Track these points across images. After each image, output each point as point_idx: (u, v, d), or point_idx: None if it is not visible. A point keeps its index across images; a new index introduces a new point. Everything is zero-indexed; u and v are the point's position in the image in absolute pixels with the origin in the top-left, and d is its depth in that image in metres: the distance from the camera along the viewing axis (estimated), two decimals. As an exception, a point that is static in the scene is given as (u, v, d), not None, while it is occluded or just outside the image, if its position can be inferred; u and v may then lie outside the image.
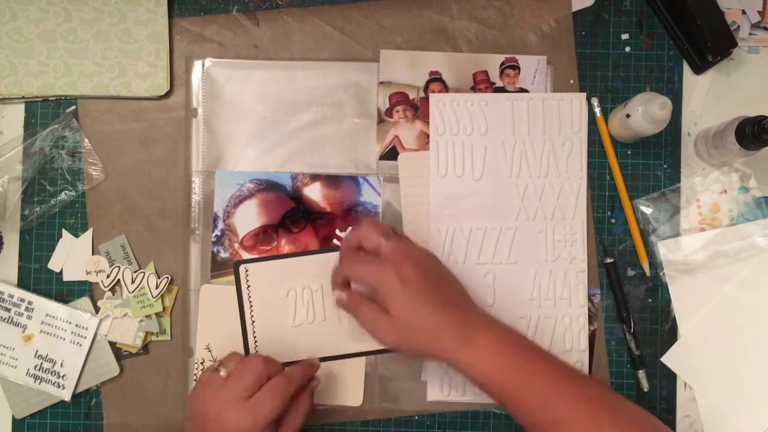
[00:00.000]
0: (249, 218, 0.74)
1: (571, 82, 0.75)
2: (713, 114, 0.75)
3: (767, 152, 0.72)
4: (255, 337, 0.73)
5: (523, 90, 0.74)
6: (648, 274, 0.74)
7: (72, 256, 0.74)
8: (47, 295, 0.74)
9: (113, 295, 0.74)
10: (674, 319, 0.74)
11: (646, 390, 0.73)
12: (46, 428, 0.74)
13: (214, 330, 0.73)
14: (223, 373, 0.64)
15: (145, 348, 0.74)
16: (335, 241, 0.74)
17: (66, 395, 0.73)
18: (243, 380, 0.62)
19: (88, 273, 0.73)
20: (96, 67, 0.74)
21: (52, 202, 0.74)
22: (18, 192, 0.74)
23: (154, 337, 0.74)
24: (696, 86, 0.76)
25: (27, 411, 0.73)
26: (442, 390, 0.73)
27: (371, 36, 0.75)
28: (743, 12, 0.75)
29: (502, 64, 0.75)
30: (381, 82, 0.75)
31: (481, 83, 0.75)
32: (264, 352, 0.71)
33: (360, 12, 0.75)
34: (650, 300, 0.74)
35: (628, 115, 0.69)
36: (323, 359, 0.71)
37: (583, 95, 0.74)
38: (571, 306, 0.73)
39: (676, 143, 0.75)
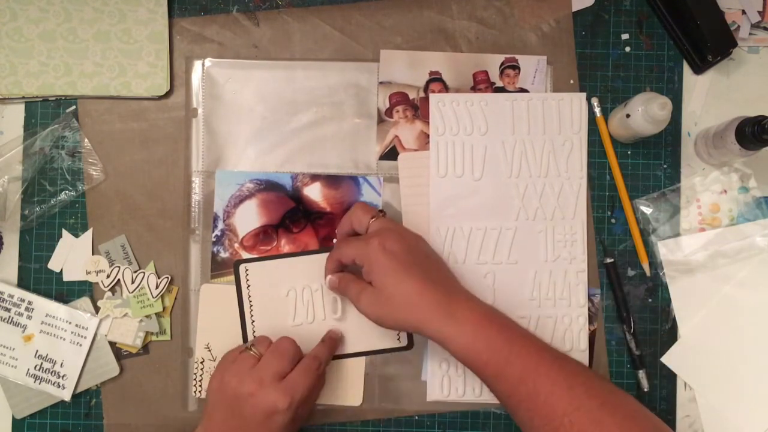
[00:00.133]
0: (249, 218, 0.74)
1: (571, 82, 0.75)
2: (713, 114, 0.75)
3: (767, 152, 0.72)
4: (255, 336, 0.72)
5: (523, 90, 0.75)
6: (648, 274, 0.74)
7: (72, 256, 0.74)
8: (47, 295, 0.74)
9: (113, 295, 0.74)
10: (674, 319, 0.74)
11: (646, 390, 0.73)
12: (46, 428, 0.74)
13: (214, 330, 0.73)
14: (254, 353, 0.66)
15: (145, 348, 0.74)
16: (335, 241, 0.74)
17: (66, 395, 0.73)
18: (278, 362, 0.65)
19: (88, 273, 0.73)
20: (96, 67, 0.74)
21: (52, 202, 0.74)
22: (18, 192, 0.74)
23: (154, 337, 0.74)
24: (696, 86, 0.76)
25: (27, 411, 0.73)
26: (442, 390, 0.73)
27: (371, 36, 0.75)
28: (743, 12, 0.75)
29: (502, 64, 0.75)
30: (381, 82, 0.75)
31: (481, 83, 0.75)
32: (264, 352, 0.72)
33: (360, 12, 0.75)
34: (650, 300, 0.74)
35: (628, 115, 0.69)
36: (323, 359, 0.71)
37: (583, 95, 0.74)
38: (571, 306, 0.73)
39: (676, 143, 0.75)
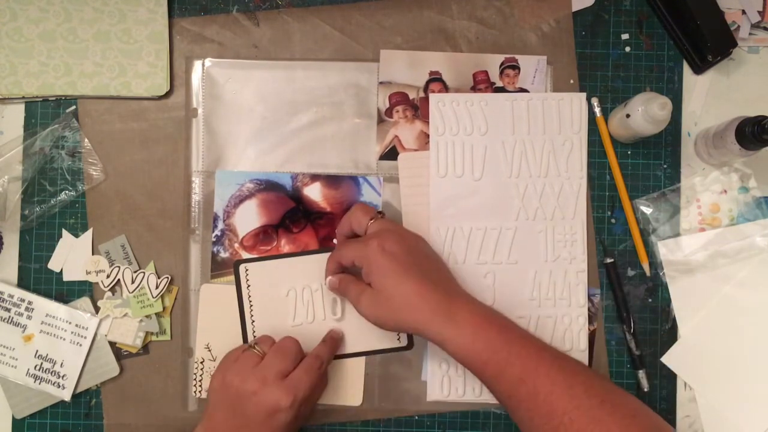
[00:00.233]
0: (249, 218, 0.74)
1: (571, 82, 0.75)
2: (713, 114, 0.75)
3: (767, 152, 0.72)
4: (255, 336, 0.72)
5: (523, 90, 0.75)
6: (648, 274, 0.74)
7: (72, 256, 0.74)
8: (47, 295, 0.74)
9: (113, 295, 0.74)
10: (674, 319, 0.74)
11: (646, 390, 0.73)
12: (46, 428, 0.74)
13: (214, 330, 0.73)
14: (257, 351, 0.67)
15: (145, 348, 0.74)
16: (335, 241, 0.74)
17: (66, 395, 0.73)
18: (281, 361, 0.66)
19: (88, 273, 0.73)
20: (96, 67, 0.74)
21: (52, 202, 0.74)
22: (18, 192, 0.74)
23: (154, 337, 0.74)
24: (696, 86, 0.76)
25: (27, 411, 0.73)
26: (442, 390, 0.73)
27: (371, 36, 0.75)
28: (743, 12, 0.75)
29: (502, 64, 0.75)
30: (381, 82, 0.75)
31: (481, 83, 0.75)
32: (264, 352, 0.72)
33: (360, 12, 0.75)
34: (650, 300, 0.74)
35: (628, 115, 0.69)
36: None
37: (583, 95, 0.74)
38: (571, 306, 0.73)
39: (676, 143, 0.75)
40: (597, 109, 0.74)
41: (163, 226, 0.74)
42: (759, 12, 0.75)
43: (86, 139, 0.74)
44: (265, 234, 0.74)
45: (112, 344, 0.74)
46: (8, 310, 0.73)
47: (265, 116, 0.75)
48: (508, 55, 0.75)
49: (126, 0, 0.73)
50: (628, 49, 0.76)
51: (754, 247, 0.74)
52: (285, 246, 0.74)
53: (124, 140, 0.75)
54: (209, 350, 0.73)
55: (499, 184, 0.73)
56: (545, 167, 0.74)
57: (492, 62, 0.75)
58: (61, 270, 0.74)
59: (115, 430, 0.74)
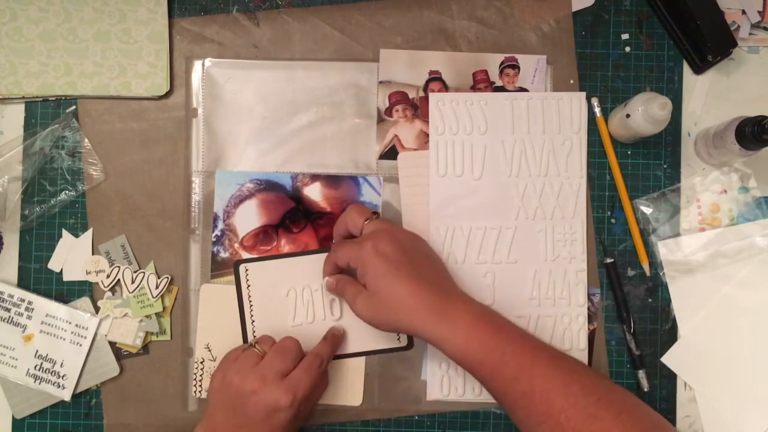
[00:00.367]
0: (249, 218, 0.74)
1: (571, 81, 0.75)
2: (713, 114, 0.75)
3: (767, 152, 0.72)
4: (255, 336, 0.72)
5: (522, 89, 0.75)
6: (648, 274, 0.74)
7: (72, 256, 0.74)
8: (47, 295, 0.74)
9: (113, 295, 0.74)
10: (674, 319, 0.74)
11: (646, 390, 0.73)
12: (46, 428, 0.74)
13: (214, 330, 0.73)
14: (258, 350, 0.67)
15: (145, 348, 0.74)
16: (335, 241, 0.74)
17: (66, 395, 0.73)
18: (281, 360, 0.66)
19: (88, 273, 0.73)
20: (96, 67, 0.74)
21: (52, 202, 0.74)
22: (18, 192, 0.74)
23: (154, 337, 0.74)
24: (696, 86, 0.76)
25: (27, 411, 0.73)
26: (441, 390, 0.73)
27: (371, 36, 0.75)
28: (743, 12, 0.75)
29: (501, 63, 0.75)
30: (381, 82, 0.75)
31: (480, 82, 0.75)
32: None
33: (360, 12, 0.75)
34: (650, 300, 0.74)
35: (628, 115, 0.69)
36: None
37: (583, 94, 0.74)
38: (571, 305, 0.73)
39: (676, 143, 0.75)
40: (597, 109, 0.74)
41: (163, 226, 0.74)
42: (759, 12, 0.75)
43: (86, 139, 0.74)
44: (265, 234, 0.74)
45: (112, 344, 0.74)
46: (8, 310, 0.73)
47: (265, 116, 0.75)
48: (507, 55, 0.75)
49: (126, 0, 0.74)
50: (628, 49, 0.76)
51: (754, 247, 0.74)
52: (285, 246, 0.74)
53: (124, 140, 0.75)
54: (209, 350, 0.73)
55: (499, 183, 0.73)
56: (545, 167, 0.74)
57: (492, 62, 0.75)
58: (61, 270, 0.74)
59: (115, 430, 0.74)
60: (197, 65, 0.75)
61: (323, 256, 0.71)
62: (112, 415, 0.74)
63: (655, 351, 0.74)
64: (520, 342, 0.63)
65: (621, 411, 0.59)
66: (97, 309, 0.74)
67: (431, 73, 0.75)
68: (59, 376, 0.73)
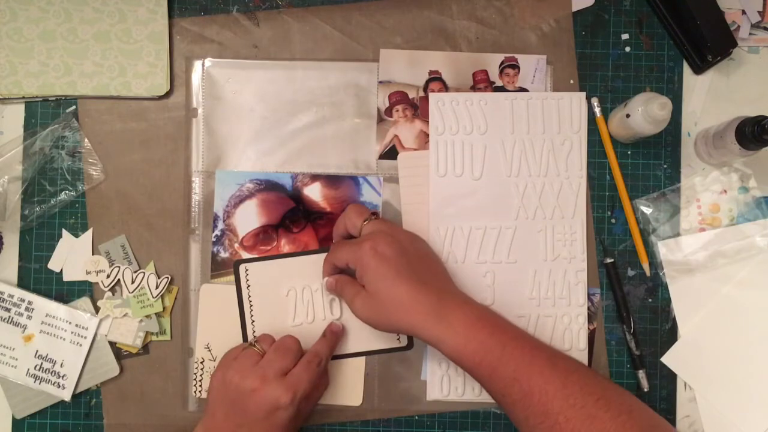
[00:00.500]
0: (249, 218, 0.74)
1: (571, 81, 0.75)
2: (713, 114, 0.75)
3: (767, 152, 0.72)
4: (255, 336, 0.72)
5: (522, 89, 0.75)
6: (648, 274, 0.74)
7: (72, 256, 0.74)
8: (47, 295, 0.74)
9: (113, 295, 0.74)
10: (674, 319, 0.74)
11: (646, 390, 0.73)
12: (46, 428, 0.74)
13: (214, 330, 0.73)
14: (258, 349, 0.67)
15: (145, 348, 0.74)
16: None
17: (66, 395, 0.73)
18: (281, 359, 0.66)
19: (88, 273, 0.73)
20: (96, 67, 0.74)
21: (52, 202, 0.74)
22: (18, 192, 0.74)
23: (154, 337, 0.74)
24: (696, 86, 0.76)
25: (27, 411, 0.73)
26: (441, 389, 0.73)
27: (371, 36, 0.75)
28: (743, 12, 0.75)
29: (501, 63, 0.75)
30: (380, 82, 0.75)
31: (480, 82, 0.75)
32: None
33: (360, 12, 0.75)
34: (650, 300, 0.74)
35: (628, 115, 0.69)
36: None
37: (583, 94, 0.74)
38: (571, 305, 0.73)
39: (676, 143, 0.75)
40: (597, 109, 0.74)
41: (163, 226, 0.74)
42: (759, 12, 0.75)
43: (86, 139, 0.74)
44: (265, 234, 0.74)
45: (112, 344, 0.74)
46: (8, 310, 0.73)
47: (265, 116, 0.75)
48: (507, 55, 0.75)
49: (126, 0, 0.74)
50: (628, 49, 0.76)
51: (754, 247, 0.74)
52: (285, 246, 0.74)
53: (124, 140, 0.75)
54: (209, 350, 0.73)
55: (499, 183, 0.73)
56: (545, 167, 0.74)
57: (492, 61, 0.75)
58: (61, 270, 0.74)
59: (115, 430, 0.74)
60: (197, 65, 0.75)
61: (323, 256, 0.71)
62: (112, 415, 0.74)
63: (655, 351, 0.74)
64: (519, 342, 0.63)
65: (620, 411, 0.59)
66: (97, 309, 0.74)
67: (431, 73, 0.75)
68: (59, 376, 0.73)
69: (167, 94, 0.74)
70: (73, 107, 0.75)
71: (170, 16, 0.74)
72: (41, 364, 0.73)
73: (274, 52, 0.75)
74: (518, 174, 0.74)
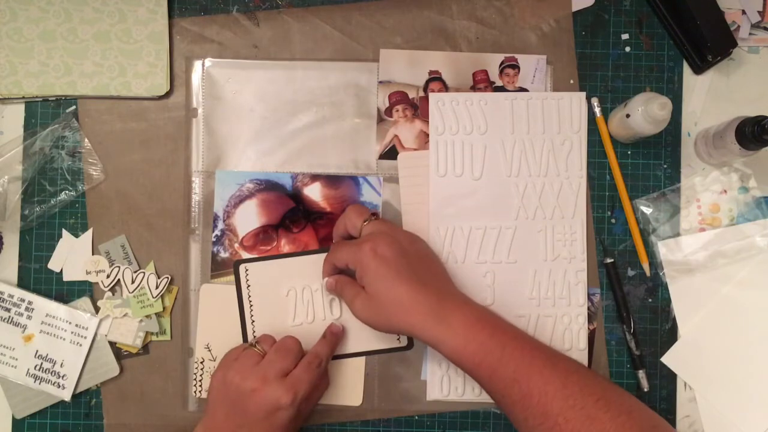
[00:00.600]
0: (249, 218, 0.74)
1: (571, 81, 0.75)
2: (713, 114, 0.75)
3: (767, 152, 0.72)
4: (255, 336, 0.72)
5: (522, 89, 0.75)
6: (648, 274, 0.74)
7: (72, 256, 0.74)
8: (47, 295, 0.74)
9: (113, 295, 0.74)
10: (674, 319, 0.74)
11: (646, 390, 0.73)
12: (46, 428, 0.74)
13: (214, 330, 0.73)
14: (258, 350, 0.67)
15: (145, 348, 0.74)
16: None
17: (66, 395, 0.73)
18: (282, 359, 0.66)
19: (88, 273, 0.73)
20: (96, 67, 0.74)
21: (52, 202, 0.74)
22: (18, 192, 0.74)
23: (154, 337, 0.74)
24: (696, 86, 0.76)
25: (27, 411, 0.73)
26: (441, 389, 0.73)
27: (371, 36, 0.75)
28: (743, 12, 0.75)
29: (501, 63, 0.75)
30: (380, 82, 0.75)
31: (480, 82, 0.75)
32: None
33: (360, 12, 0.75)
34: (650, 300, 0.74)
35: (628, 115, 0.69)
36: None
37: (583, 94, 0.74)
38: (571, 305, 0.73)
39: (676, 143, 0.75)
40: (597, 109, 0.74)
41: (163, 226, 0.74)
42: (759, 12, 0.75)
43: (86, 139, 0.74)
44: (265, 234, 0.74)
45: (112, 344, 0.74)
46: (8, 310, 0.73)
47: (265, 116, 0.75)
48: (507, 55, 0.75)
49: (126, 0, 0.74)
50: (628, 49, 0.76)
51: (754, 247, 0.74)
52: (285, 246, 0.74)
53: (124, 140, 0.75)
54: (209, 350, 0.73)
55: (499, 183, 0.73)
56: (545, 167, 0.74)
57: (492, 61, 0.75)
58: (61, 270, 0.74)
59: (115, 430, 0.74)
60: (197, 65, 0.75)
61: (323, 256, 0.71)
62: (112, 415, 0.74)
63: (655, 351, 0.74)
64: (519, 343, 0.63)
65: (620, 412, 0.59)
66: (97, 309, 0.74)
67: (431, 73, 0.75)
68: (59, 376, 0.73)
69: (167, 94, 0.74)
70: (73, 107, 0.75)
71: (170, 16, 0.75)
72: (41, 364, 0.73)
73: (274, 52, 0.75)
74: (518, 174, 0.74)
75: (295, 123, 0.75)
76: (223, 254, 0.74)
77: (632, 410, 0.60)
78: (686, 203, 0.75)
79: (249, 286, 0.73)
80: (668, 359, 0.74)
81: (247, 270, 0.73)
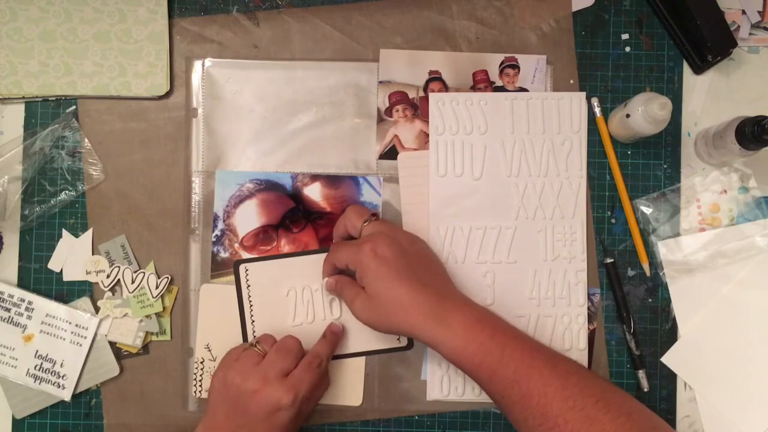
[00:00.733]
0: (249, 218, 0.74)
1: (571, 81, 0.75)
2: (713, 114, 0.75)
3: (767, 152, 0.72)
4: (255, 336, 0.72)
5: (522, 89, 0.75)
6: (648, 274, 0.74)
7: (72, 256, 0.74)
8: (47, 295, 0.74)
9: (113, 295, 0.74)
10: (674, 319, 0.74)
11: (646, 390, 0.73)
12: (46, 428, 0.74)
13: (214, 330, 0.73)
14: (259, 350, 0.67)
15: (145, 348, 0.74)
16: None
17: (66, 395, 0.73)
18: (282, 359, 0.66)
19: (88, 273, 0.73)
20: (96, 67, 0.74)
21: (52, 202, 0.74)
22: (18, 192, 0.74)
23: (154, 337, 0.74)
24: (696, 86, 0.76)
25: (27, 411, 0.73)
26: (441, 389, 0.73)
27: (371, 36, 0.75)
28: (743, 12, 0.75)
29: (501, 63, 0.75)
30: (380, 82, 0.75)
31: (480, 82, 0.75)
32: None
33: (360, 12, 0.75)
34: (650, 300, 0.74)
35: (628, 115, 0.69)
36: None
37: (583, 94, 0.74)
38: (571, 305, 0.73)
39: (676, 143, 0.75)
40: (597, 109, 0.74)
41: (163, 226, 0.74)
42: (759, 12, 0.75)
43: (86, 139, 0.74)
44: (265, 234, 0.74)
45: (112, 344, 0.74)
46: (8, 310, 0.73)
47: (265, 116, 0.75)
48: (507, 55, 0.75)
49: (126, 0, 0.74)
50: (628, 49, 0.76)
51: (754, 247, 0.74)
52: (285, 246, 0.74)
53: (124, 140, 0.75)
54: (209, 350, 0.73)
55: (499, 183, 0.73)
56: (545, 166, 0.74)
57: (492, 61, 0.75)
58: (61, 270, 0.74)
59: (115, 430, 0.74)
60: (197, 65, 0.75)
61: (323, 256, 0.71)
62: (112, 415, 0.74)
63: (655, 351, 0.74)
64: (519, 344, 0.63)
65: (620, 413, 0.59)
66: (97, 309, 0.74)
67: (431, 73, 0.75)
68: (59, 376, 0.73)
69: (167, 94, 0.74)
70: (73, 107, 0.75)
71: (170, 16, 0.75)
72: (41, 364, 0.73)
73: (274, 52, 0.75)
74: (518, 174, 0.74)
75: (295, 123, 0.75)
76: (223, 254, 0.74)
77: (632, 411, 0.60)
78: (686, 203, 0.75)
79: (249, 286, 0.73)
80: (668, 359, 0.74)
81: (247, 270, 0.73)
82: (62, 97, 0.74)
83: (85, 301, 0.74)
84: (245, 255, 0.74)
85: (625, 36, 0.76)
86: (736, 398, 0.72)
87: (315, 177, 0.74)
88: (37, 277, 0.74)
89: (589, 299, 0.74)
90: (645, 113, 0.67)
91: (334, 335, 0.72)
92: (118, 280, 0.73)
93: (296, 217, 0.74)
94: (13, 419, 0.74)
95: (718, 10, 0.73)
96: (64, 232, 0.74)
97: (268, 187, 0.74)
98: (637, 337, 0.73)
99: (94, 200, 0.74)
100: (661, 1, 0.75)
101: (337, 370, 0.73)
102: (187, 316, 0.74)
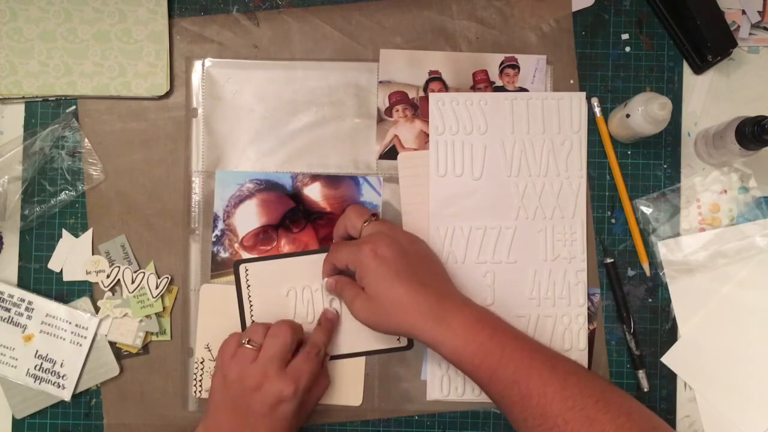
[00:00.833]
0: (249, 218, 0.74)
1: (571, 81, 0.75)
2: (713, 114, 0.75)
3: (767, 152, 0.72)
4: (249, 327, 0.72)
5: (522, 89, 0.75)
6: (648, 274, 0.74)
7: (72, 256, 0.74)
8: (47, 295, 0.74)
9: (113, 295, 0.74)
10: (674, 319, 0.74)
11: (646, 390, 0.73)
12: (46, 428, 0.74)
13: (214, 330, 0.73)
14: (252, 346, 0.66)
15: (145, 348, 0.74)
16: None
17: (66, 395, 0.73)
18: (278, 349, 0.66)
19: (88, 273, 0.73)
20: (96, 67, 0.74)
21: (52, 202, 0.74)
22: (18, 192, 0.74)
23: (154, 337, 0.74)
24: (696, 86, 0.76)
25: (27, 411, 0.73)
26: (441, 389, 0.73)
27: (371, 36, 0.75)
28: (743, 12, 0.75)
29: (501, 63, 0.75)
30: (381, 82, 0.75)
31: (480, 82, 0.75)
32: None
33: (360, 12, 0.75)
34: (650, 300, 0.74)
35: (628, 115, 0.69)
36: (323, 359, 0.71)
37: (583, 94, 0.74)
38: (571, 305, 0.73)
39: (676, 143, 0.75)
40: (597, 109, 0.74)
41: (163, 226, 0.74)
42: (759, 12, 0.75)
43: (86, 139, 0.74)
44: (265, 234, 0.74)
45: (112, 344, 0.74)
46: (8, 310, 0.73)
47: (265, 116, 0.75)
48: (507, 55, 0.75)
49: (126, 0, 0.74)
50: (628, 49, 0.76)
51: (754, 247, 0.74)
52: (285, 246, 0.74)
53: (124, 140, 0.75)
54: (209, 350, 0.73)
55: (499, 183, 0.73)
56: (545, 166, 0.74)
57: (492, 61, 0.75)
58: (61, 270, 0.74)
59: (115, 430, 0.74)
60: (197, 65, 0.75)
61: (323, 256, 0.71)
62: (112, 415, 0.74)
63: (655, 351, 0.74)
64: (519, 344, 0.63)
65: (619, 413, 0.59)
66: (97, 309, 0.74)
67: (431, 73, 0.75)
68: (59, 376, 0.73)
69: (167, 94, 0.74)
70: (73, 107, 0.75)
71: (170, 16, 0.75)
72: (41, 364, 0.73)
73: (274, 52, 0.75)
74: (518, 174, 0.74)
75: (295, 123, 0.75)
76: (223, 254, 0.74)
77: (632, 411, 0.60)
78: (686, 203, 0.75)
79: (249, 286, 0.73)
80: (668, 359, 0.74)
81: (247, 270, 0.73)
82: (62, 97, 0.74)
83: (85, 301, 0.74)
84: (245, 255, 0.74)
85: (625, 36, 0.76)
86: (736, 398, 0.72)
87: (315, 177, 0.74)
88: (37, 277, 0.74)
89: (589, 299, 0.74)
90: (645, 113, 0.67)
91: (329, 322, 0.72)
92: (118, 280, 0.73)
93: (296, 217, 0.74)
94: (13, 419, 0.74)
95: (718, 10, 0.73)
96: (64, 232, 0.74)
97: (268, 187, 0.74)
98: (637, 337, 0.73)
99: (94, 200, 0.74)
100: (661, 1, 0.75)
101: (337, 370, 0.73)
102: (187, 316, 0.74)
